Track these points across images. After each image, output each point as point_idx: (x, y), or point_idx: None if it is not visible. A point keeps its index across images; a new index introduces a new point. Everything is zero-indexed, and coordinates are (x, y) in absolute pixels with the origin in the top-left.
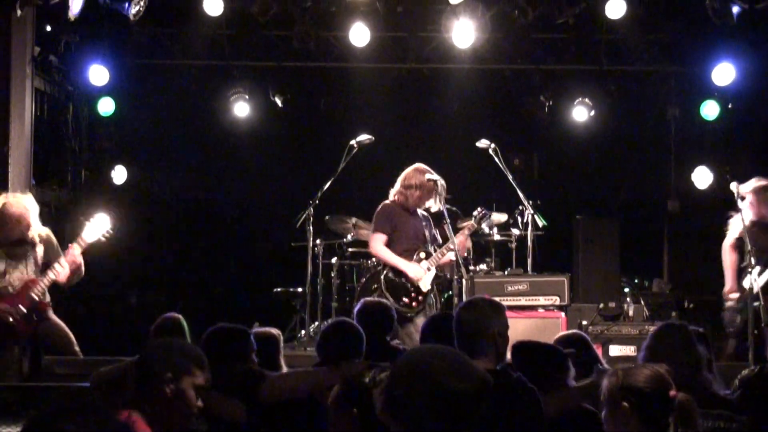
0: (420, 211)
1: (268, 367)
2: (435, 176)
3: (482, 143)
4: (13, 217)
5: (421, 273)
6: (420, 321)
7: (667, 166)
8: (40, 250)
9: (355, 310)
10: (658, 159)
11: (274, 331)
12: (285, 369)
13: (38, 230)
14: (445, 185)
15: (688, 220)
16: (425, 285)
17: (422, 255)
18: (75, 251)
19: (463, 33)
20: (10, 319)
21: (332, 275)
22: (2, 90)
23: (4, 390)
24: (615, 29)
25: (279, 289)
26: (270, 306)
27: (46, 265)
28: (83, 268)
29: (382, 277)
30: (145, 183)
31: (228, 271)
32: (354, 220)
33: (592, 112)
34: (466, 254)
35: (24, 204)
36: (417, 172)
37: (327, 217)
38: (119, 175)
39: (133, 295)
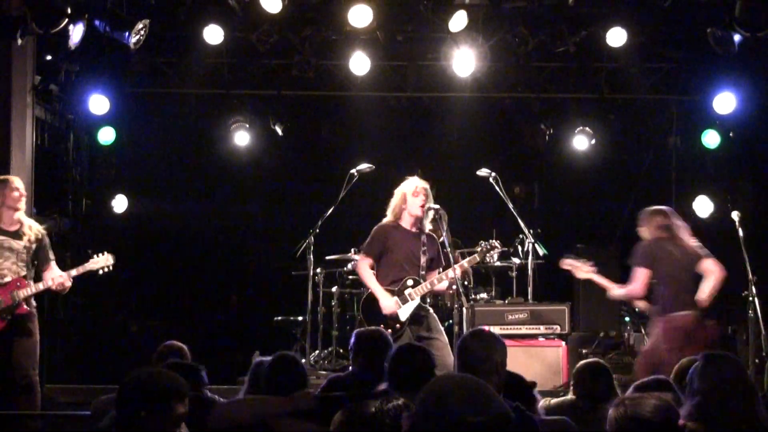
0: (424, 232)
1: None
2: (413, 182)
3: (483, 172)
4: (15, 191)
5: (392, 308)
6: None
7: (667, 195)
8: (33, 246)
9: (350, 342)
10: (658, 188)
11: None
12: None
13: (34, 227)
14: (445, 213)
15: None
16: (403, 314)
17: (409, 283)
18: (69, 274)
19: (464, 61)
20: None
21: (333, 304)
22: (3, 119)
23: (4, 418)
24: (616, 58)
25: (279, 318)
26: (271, 334)
27: (33, 263)
28: (68, 286)
29: (361, 302)
30: (145, 212)
31: (228, 299)
32: (353, 249)
33: (593, 141)
34: (456, 284)
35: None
36: (401, 185)
37: (327, 257)
38: (120, 203)
39: (134, 323)
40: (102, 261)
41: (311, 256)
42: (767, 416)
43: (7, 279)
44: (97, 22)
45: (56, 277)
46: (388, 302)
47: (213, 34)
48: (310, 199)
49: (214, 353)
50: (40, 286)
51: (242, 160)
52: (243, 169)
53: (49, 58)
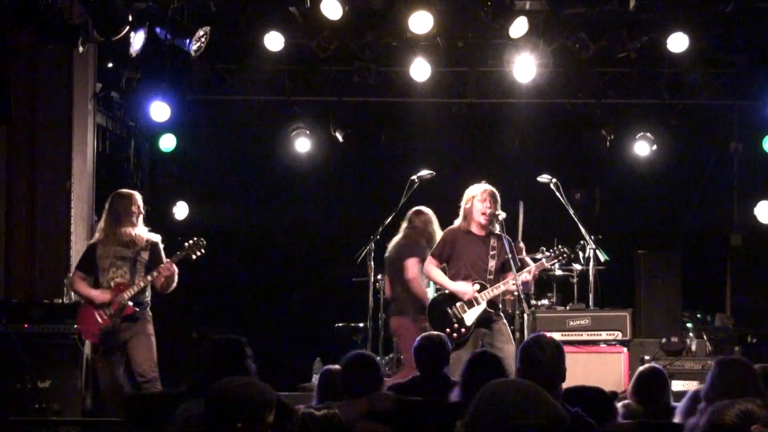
0: (493, 235)
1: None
2: (480, 187)
3: (543, 178)
4: (136, 207)
5: (469, 289)
6: (463, 353)
7: (729, 200)
8: (145, 255)
9: (413, 346)
10: (720, 193)
11: (336, 368)
12: None
13: (146, 236)
14: (503, 214)
15: (751, 255)
16: (469, 319)
17: (476, 287)
18: (170, 261)
19: (524, 67)
20: (98, 318)
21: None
22: (65, 126)
23: (67, 424)
24: (677, 63)
25: (341, 324)
26: (332, 341)
27: (149, 270)
28: (176, 278)
29: (428, 306)
30: (206, 218)
31: (289, 306)
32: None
33: (654, 146)
34: (518, 290)
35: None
36: (469, 189)
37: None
38: (181, 210)
39: (195, 330)
40: (194, 245)
41: (372, 263)
42: None
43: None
44: (158, 30)
45: (158, 268)
46: (464, 288)
47: (273, 41)
48: (370, 206)
49: (274, 360)
50: (141, 283)
51: (303, 166)
52: (304, 176)
53: (110, 65)
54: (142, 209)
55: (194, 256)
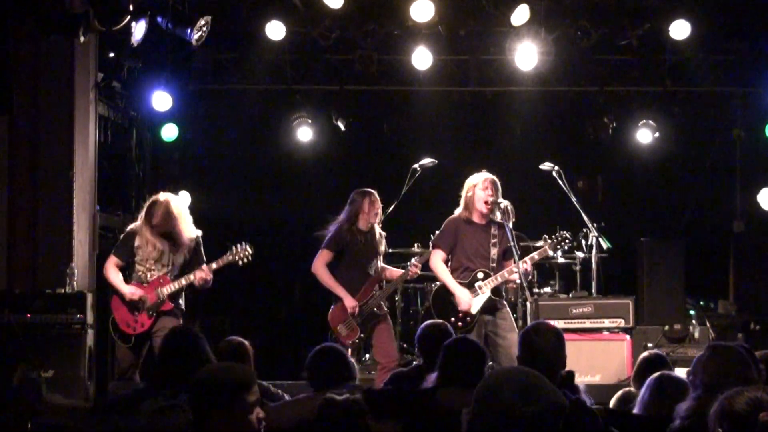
0: (495, 223)
1: None
2: (482, 175)
3: (546, 166)
4: (172, 215)
5: (468, 300)
6: None
7: (732, 187)
8: (184, 250)
9: (416, 335)
10: (723, 180)
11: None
12: None
13: (187, 232)
14: (512, 208)
15: (754, 241)
16: (474, 307)
17: (479, 275)
18: (209, 268)
19: (526, 55)
20: (135, 309)
21: (396, 299)
22: (66, 116)
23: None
24: (680, 50)
25: None
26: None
27: (188, 265)
28: (211, 282)
29: (432, 295)
30: (208, 208)
31: (292, 294)
32: (417, 244)
33: (657, 134)
34: (520, 278)
35: (181, 207)
36: (470, 178)
37: (390, 252)
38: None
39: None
40: (241, 252)
41: None
42: None
43: (153, 278)
44: (159, 19)
45: (197, 271)
46: (464, 297)
47: (275, 30)
48: None
49: (276, 349)
50: (183, 281)
51: (305, 155)
52: (306, 165)
53: (111, 55)
54: (167, 213)
55: (241, 263)
